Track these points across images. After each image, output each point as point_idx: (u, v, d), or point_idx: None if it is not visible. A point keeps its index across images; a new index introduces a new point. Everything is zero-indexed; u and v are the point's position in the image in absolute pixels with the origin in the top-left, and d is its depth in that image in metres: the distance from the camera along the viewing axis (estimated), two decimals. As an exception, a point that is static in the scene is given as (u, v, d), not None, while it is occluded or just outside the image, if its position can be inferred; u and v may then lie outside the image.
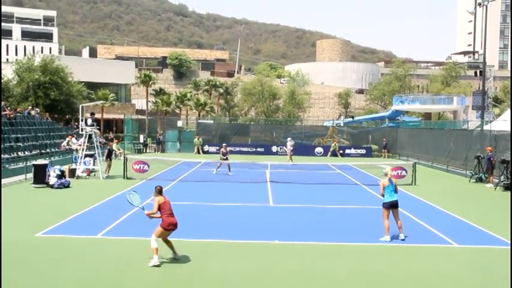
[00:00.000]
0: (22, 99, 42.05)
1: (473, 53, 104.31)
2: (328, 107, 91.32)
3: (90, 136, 24.75)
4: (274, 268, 10.05)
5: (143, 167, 25.08)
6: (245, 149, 42.80)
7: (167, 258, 10.30)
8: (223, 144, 30.39)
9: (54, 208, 16.14)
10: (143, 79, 59.67)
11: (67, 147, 31.07)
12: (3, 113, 28.72)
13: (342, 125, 53.35)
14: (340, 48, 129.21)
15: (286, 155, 36.88)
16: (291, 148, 36.45)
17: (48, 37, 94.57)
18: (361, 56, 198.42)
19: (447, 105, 56.21)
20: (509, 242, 12.34)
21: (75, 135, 33.55)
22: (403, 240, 12.21)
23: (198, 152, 42.38)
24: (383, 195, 12.26)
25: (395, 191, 12.24)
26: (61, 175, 21.20)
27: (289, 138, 38.41)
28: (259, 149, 43.99)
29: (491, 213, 17.16)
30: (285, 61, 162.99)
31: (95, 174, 24.71)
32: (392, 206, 12.18)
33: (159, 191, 10.25)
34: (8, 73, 45.89)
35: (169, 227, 10.05)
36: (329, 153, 42.51)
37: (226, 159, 27.53)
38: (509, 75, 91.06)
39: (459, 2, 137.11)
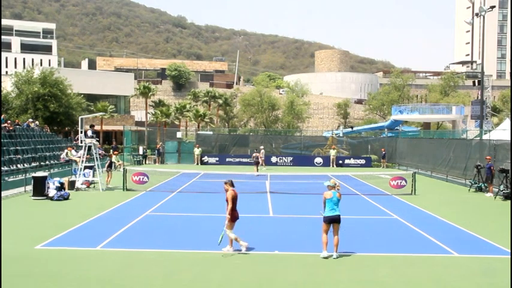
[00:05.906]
0: (21, 111, 42.13)
1: (471, 62, 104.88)
2: (327, 118, 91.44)
3: (89, 148, 24.79)
4: (274, 279, 10.03)
5: (143, 178, 25.11)
6: (244, 160, 42.74)
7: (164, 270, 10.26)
8: (261, 148, 37.90)
9: (54, 220, 16.12)
10: (142, 91, 59.82)
11: (66, 158, 31.06)
12: (2, 125, 28.75)
13: (341, 135, 53.31)
14: (339, 58, 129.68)
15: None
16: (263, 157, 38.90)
17: (47, 49, 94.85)
18: (359, 67, 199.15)
19: (446, 115, 56.27)
20: (510, 251, 12.33)
21: (74, 147, 33.57)
22: (335, 259, 11.42)
23: (198, 163, 42.40)
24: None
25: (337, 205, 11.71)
26: (60, 187, 21.19)
27: (261, 147, 40.81)
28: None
29: (491, 222, 17.15)
30: (284, 72, 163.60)
31: (94, 186, 24.70)
32: (333, 221, 11.69)
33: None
34: (8, 86, 45.99)
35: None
36: (332, 163, 42.39)
37: (257, 163, 34.44)
38: (507, 84, 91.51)
39: (457, 13, 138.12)
